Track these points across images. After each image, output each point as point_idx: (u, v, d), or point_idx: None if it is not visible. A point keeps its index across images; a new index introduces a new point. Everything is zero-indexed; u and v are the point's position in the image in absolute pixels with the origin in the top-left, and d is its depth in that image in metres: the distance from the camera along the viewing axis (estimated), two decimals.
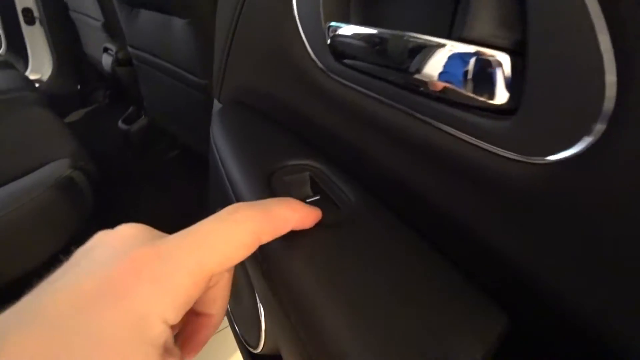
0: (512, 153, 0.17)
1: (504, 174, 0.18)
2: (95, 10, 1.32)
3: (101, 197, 0.93)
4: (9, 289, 0.75)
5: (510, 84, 0.16)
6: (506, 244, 0.20)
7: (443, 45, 0.18)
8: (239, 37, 0.38)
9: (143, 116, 1.48)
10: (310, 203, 0.23)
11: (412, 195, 0.24)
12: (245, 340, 0.43)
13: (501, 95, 0.17)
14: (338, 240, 0.23)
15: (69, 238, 0.81)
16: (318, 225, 0.23)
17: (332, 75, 0.27)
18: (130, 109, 1.53)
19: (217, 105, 0.53)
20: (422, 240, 0.24)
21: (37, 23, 1.70)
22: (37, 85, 1.60)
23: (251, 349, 0.42)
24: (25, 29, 1.69)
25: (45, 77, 1.75)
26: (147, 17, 0.97)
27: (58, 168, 0.81)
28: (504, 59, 0.16)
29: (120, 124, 1.47)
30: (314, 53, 0.29)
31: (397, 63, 0.22)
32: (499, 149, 0.17)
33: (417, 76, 0.20)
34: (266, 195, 0.26)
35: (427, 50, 0.19)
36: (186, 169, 1.42)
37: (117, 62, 1.26)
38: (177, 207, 1.23)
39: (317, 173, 0.29)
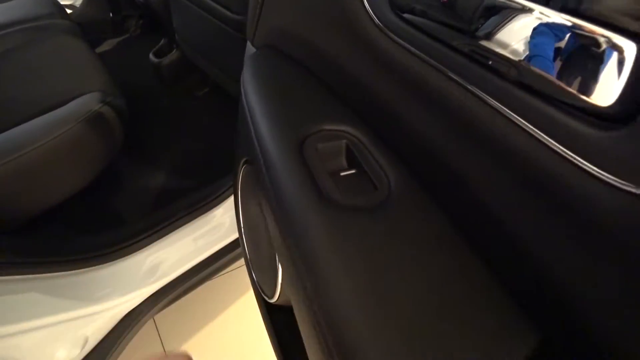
0: (609, 175, 0.13)
1: (589, 196, 0.14)
2: None
3: (131, 131, 0.92)
4: (43, 217, 0.79)
5: (629, 83, 0.11)
6: (558, 267, 0.17)
7: (531, 11, 0.13)
8: None
9: (175, 49, 1.43)
10: (345, 177, 0.22)
11: (464, 189, 0.21)
12: (261, 289, 0.43)
13: (609, 95, 0.12)
14: (370, 226, 0.21)
15: (98, 172, 0.82)
16: (352, 207, 0.22)
17: (387, 31, 0.23)
18: (162, 41, 1.48)
19: (250, 48, 0.47)
20: (460, 237, 0.21)
21: None
22: (68, 11, 1.56)
23: (267, 298, 0.41)
24: None
25: (77, 3, 1.70)
26: None
27: (89, 102, 0.80)
28: (629, 48, 0.11)
29: (151, 56, 1.44)
30: (369, 1, 0.23)
31: (467, 24, 0.17)
32: (591, 165, 0.13)
33: (491, 45, 0.15)
34: (297, 166, 0.24)
35: (509, 13, 0.14)
36: (216, 107, 1.40)
37: None
38: (206, 144, 1.23)
39: (355, 142, 0.26)
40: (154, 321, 1.15)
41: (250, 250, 0.45)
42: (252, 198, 0.36)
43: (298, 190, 0.24)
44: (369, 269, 0.19)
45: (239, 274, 1.31)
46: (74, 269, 0.70)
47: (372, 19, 0.24)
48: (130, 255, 0.75)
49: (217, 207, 0.84)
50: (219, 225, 0.87)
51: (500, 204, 0.19)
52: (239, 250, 0.97)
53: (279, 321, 0.42)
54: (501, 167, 0.18)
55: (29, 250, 0.69)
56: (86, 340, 0.74)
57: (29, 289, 0.64)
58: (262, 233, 0.36)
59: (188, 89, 1.47)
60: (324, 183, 0.24)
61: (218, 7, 0.85)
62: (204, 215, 0.82)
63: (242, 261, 0.99)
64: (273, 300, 0.39)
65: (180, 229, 0.80)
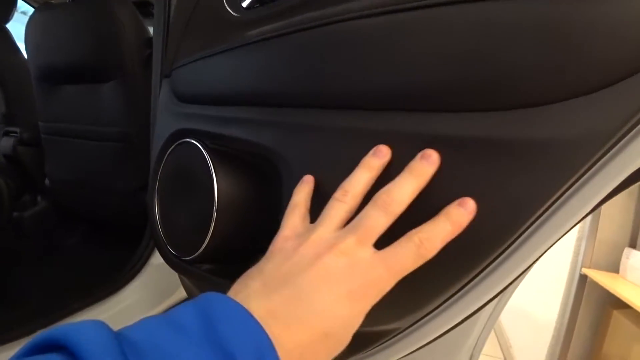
0: None
1: None
2: None
3: None
4: None
5: None
6: None
7: None
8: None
9: (40, 201, 1.40)
10: None
11: None
12: (173, 248, 0.47)
13: None
14: None
15: None
16: None
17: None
18: (24, 197, 1.44)
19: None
20: None
21: None
22: None
23: (179, 256, 0.45)
24: None
25: None
26: (70, 90, 1.08)
27: None
28: None
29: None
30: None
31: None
32: None
33: None
34: None
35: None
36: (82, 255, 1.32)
37: (21, 142, 1.26)
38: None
39: None
40: None
41: (162, 212, 0.49)
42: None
43: None
44: None
45: None
46: None
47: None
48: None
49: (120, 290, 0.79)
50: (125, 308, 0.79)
51: None
52: None
53: (195, 274, 0.46)
54: None
55: None
56: None
57: None
58: (201, 187, 0.41)
59: (52, 241, 1.39)
60: None
61: (108, 129, 1.01)
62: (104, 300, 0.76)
63: None
64: (193, 255, 0.42)
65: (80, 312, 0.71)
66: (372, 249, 0.23)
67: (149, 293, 0.87)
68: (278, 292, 0.20)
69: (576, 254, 1.34)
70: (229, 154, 0.43)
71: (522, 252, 0.29)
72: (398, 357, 0.38)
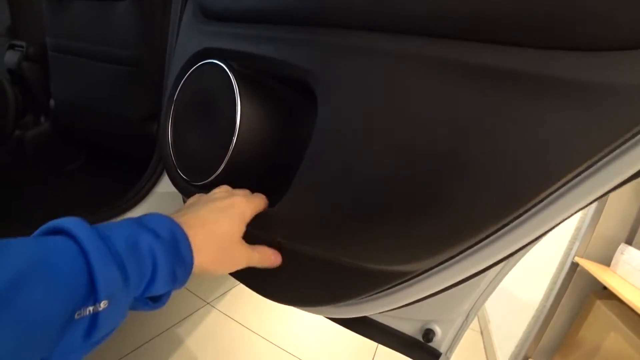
0: None
1: None
2: None
3: None
4: None
5: None
6: None
7: None
8: None
9: (43, 122, 1.38)
10: None
11: None
12: (185, 171, 0.45)
13: None
14: None
15: None
16: None
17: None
18: (27, 117, 1.41)
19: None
20: None
21: None
22: None
23: (192, 182, 0.44)
24: None
25: None
26: (81, 5, 1.02)
27: None
28: None
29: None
30: None
31: None
32: None
33: None
34: None
35: None
36: (82, 182, 1.32)
37: (25, 57, 1.21)
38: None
39: None
40: None
41: (177, 134, 0.46)
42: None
43: None
44: None
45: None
46: None
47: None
48: None
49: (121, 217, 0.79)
50: None
51: None
52: None
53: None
54: None
55: None
56: None
57: None
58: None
59: (53, 164, 1.38)
60: None
61: (118, 50, 0.96)
62: None
63: None
64: (203, 182, 0.42)
65: None
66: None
67: None
68: (187, 215, 0.33)
69: (572, 242, 1.35)
70: (255, 79, 0.41)
71: (555, 208, 0.27)
72: (405, 302, 0.38)
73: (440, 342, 0.57)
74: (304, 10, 0.34)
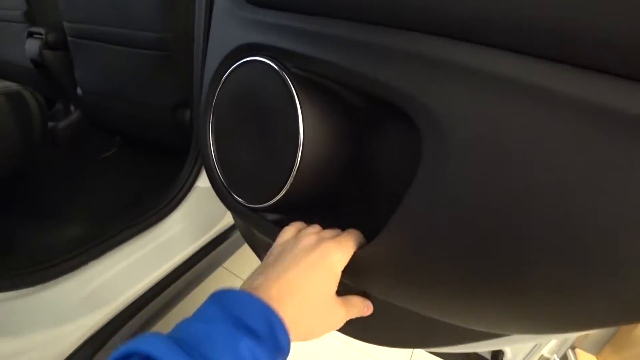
0: None
1: None
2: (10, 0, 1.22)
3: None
4: None
5: None
6: None
7: None
8: None
9: (74, 112, 1.35)
10: None
11: None
12: (238, 192, 0.40)
13: None
14: None
15: (15, 162, 0.83)
16: None
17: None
18: (57, 105, 1.39)
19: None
20: None
21: None
22: None
23: (245, 203, 0.39)
24: None
25: None
26: None
27: (7, 84, 0.77)
28: None
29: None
30: None
31: None
32: None
33: None
34: None
35: None
36: (126, 167, 1.30)
37: (46, 44, 1.16)
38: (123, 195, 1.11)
39: None
40: None
41: (222, 147, 0.41)
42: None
43: None
44: None
45: None
46: None
47: None
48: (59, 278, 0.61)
49: (163, 220, 0.76)
50: (169, 240, 0.78)
51: None
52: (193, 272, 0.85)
53: (260, 223, 0.40)
54: None
55: None
56: None
57: None
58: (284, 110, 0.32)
59: (88, 153, 1.37)
60: None
61: (141, 32, 0.89)
62: (147, 231, 0.74)
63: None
64: (268, 203, 0.36)
65: (121, 246, 0.69)
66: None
67: (194, 222, 0.83)
68: (276, 282, 0.29)
69: None
70: (316, 82, 0.32)
71: None
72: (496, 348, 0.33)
73: None
74: (406, 6, 0.25)
